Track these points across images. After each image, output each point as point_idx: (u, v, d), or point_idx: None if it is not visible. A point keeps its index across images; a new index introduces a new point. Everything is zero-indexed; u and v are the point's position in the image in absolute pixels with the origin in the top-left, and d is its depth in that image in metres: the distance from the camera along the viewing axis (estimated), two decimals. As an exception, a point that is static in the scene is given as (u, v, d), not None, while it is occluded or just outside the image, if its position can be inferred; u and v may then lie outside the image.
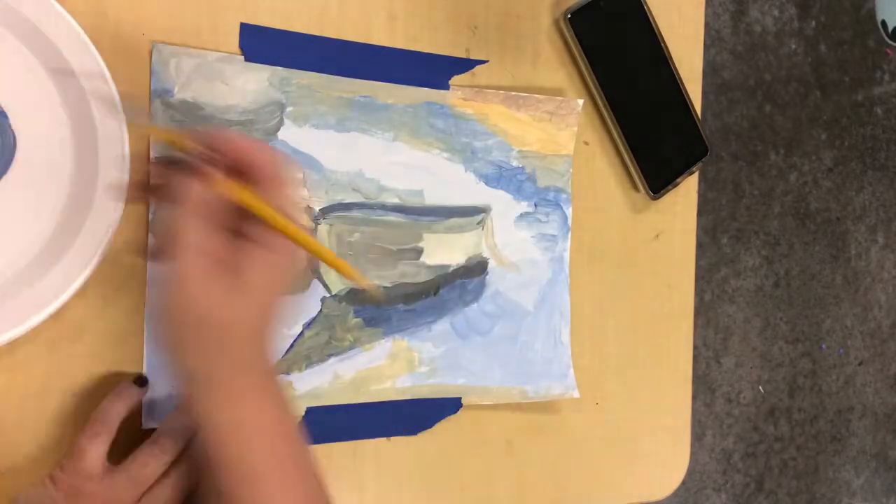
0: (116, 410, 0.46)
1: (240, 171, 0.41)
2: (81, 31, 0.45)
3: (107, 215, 0.46)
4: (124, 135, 0.46)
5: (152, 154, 0.48)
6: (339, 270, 0.44)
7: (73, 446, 0.45)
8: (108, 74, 0.46)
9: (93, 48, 0.45)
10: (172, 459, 0.46)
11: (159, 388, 0.49)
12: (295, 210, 0.42)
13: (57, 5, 0.45)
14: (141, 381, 0.48)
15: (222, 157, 0.40)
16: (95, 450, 0.44)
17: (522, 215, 0.61)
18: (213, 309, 0.39)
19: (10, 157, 0.45)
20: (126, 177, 0.46)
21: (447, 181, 0.58)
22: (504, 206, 0.60)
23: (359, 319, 0.55)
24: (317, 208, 0.54)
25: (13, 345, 0.45)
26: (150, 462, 0.45)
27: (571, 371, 0.62)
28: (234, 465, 0.41)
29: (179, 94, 0.50)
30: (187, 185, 0.39)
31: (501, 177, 0.60)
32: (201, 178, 0.39)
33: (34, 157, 0.45)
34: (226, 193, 0.40)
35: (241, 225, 0.41)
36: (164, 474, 0.46)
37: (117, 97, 0.46)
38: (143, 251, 0.49)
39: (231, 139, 0.41)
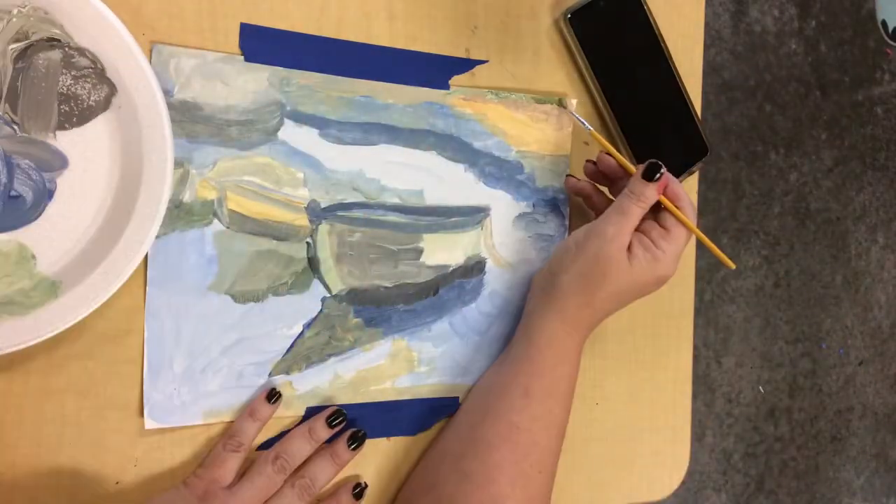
0: (255, 429, 0.51)
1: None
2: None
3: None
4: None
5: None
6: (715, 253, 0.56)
7: (212, 457, 0.50)
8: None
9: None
10: (287, 476, 0.51)
11: (160, 388, 0.49)
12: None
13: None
14: (272, 395, 0.51)
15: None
16: (232, 462, 0.50)
17: (521, 215, 0.61)
18: (622, 262, 0.53)
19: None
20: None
21: (447, 181, 0.58)
22: (503, 206, 0.60)
23: (359, 319, 0.55)
24: (317, 208, 0.54)
25: (13, 345, 0.45)
26: (274, 477, 0.50)
27: (571, 371, 0.62)
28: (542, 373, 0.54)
29: (179, 94, 0.50)
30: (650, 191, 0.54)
31: (501, 177, 0.60)
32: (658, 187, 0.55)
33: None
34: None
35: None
36: (280, 491, 0.50)
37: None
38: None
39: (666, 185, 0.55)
